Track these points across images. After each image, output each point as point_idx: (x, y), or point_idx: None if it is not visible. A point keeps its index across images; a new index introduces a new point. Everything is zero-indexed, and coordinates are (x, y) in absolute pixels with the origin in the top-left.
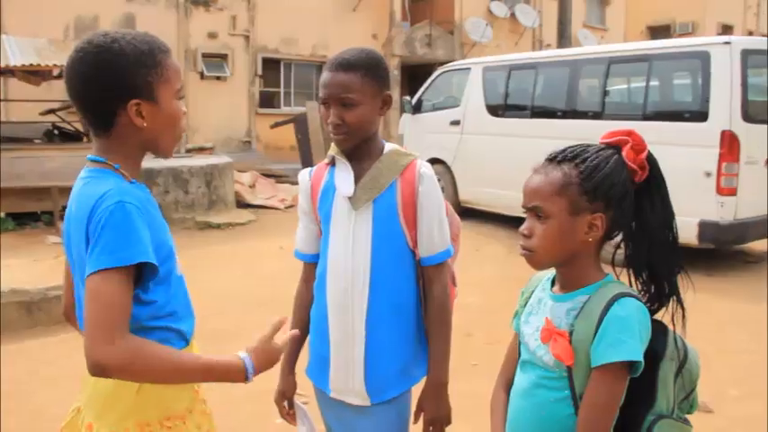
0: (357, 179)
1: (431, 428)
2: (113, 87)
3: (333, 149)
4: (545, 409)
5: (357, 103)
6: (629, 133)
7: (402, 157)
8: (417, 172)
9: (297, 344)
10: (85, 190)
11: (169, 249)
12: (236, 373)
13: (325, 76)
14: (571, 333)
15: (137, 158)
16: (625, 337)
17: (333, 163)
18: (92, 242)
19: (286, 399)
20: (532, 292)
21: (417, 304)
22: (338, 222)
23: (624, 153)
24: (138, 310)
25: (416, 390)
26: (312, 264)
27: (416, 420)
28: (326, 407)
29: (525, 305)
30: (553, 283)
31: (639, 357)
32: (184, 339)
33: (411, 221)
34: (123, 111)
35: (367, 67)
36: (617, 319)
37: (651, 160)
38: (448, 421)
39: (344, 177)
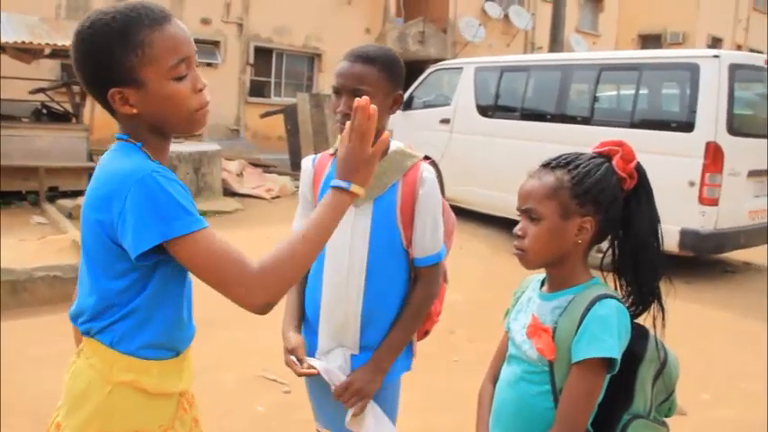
0: None
1: (344, 391)
2: (92, 77)
3: (339, 142)
4: (526, 402)
5: (370, 95)
6: (620, 144)
7: (406, 158)
8: (420, 175)
9: (299, 307)
10: (110, 167)
11: None
12: (344, 203)
13: (342, 65)
14: (554, 330)
15: (155, 139)
16: (604, 335)
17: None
18: (137, 216)
19: (296, 356)
20: (523, 292)
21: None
22: None
23: (614, 162)
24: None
25: (405, 378)
26: None
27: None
28: (318, 395)
29: (516, 304)
30: (542, 285)
31: (616, 355)
32: (174, 350)
33: (408, 222)
34: (110, 99)
35: (384, 63)
36: (597, 318)
37: (640, 170)
38: (364, 400)
39: None
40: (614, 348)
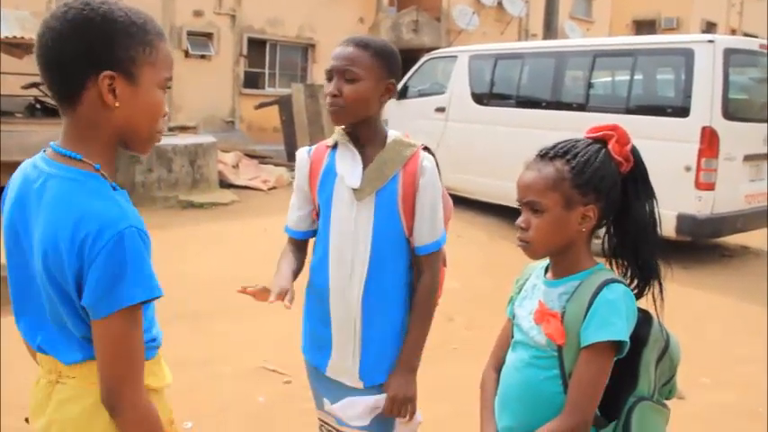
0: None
1: (392, 405)
2: (88, 51)
3: (338, 134)
4: (534, 387)
5: (358, 78)
6: (614, 128)
7: (406, 148)
8: (420, 164)
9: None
10: (70, 198)
11: None
12: None
13: (336, 49)
14: (563, 315)
15: (111, 152)
16: (613, 319)
17: (335, 146)
18: (99, 274)
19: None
20: (527, 279)
21: (410, 291)
22: (339, 209)
23: (610, 146)
24: None
25: None
26: (302, 241)
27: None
28: (320, 383)
29: (519, 291)
30: (546, 271)
31: (626, 337)
32: (158, 344)
33: (409, 212)
34: (93, 83)
35: (378, 50)
36: (606, 302)
37: (634, 152)
38: (412, 404)
39: (351, 166)
40: (623, 331)
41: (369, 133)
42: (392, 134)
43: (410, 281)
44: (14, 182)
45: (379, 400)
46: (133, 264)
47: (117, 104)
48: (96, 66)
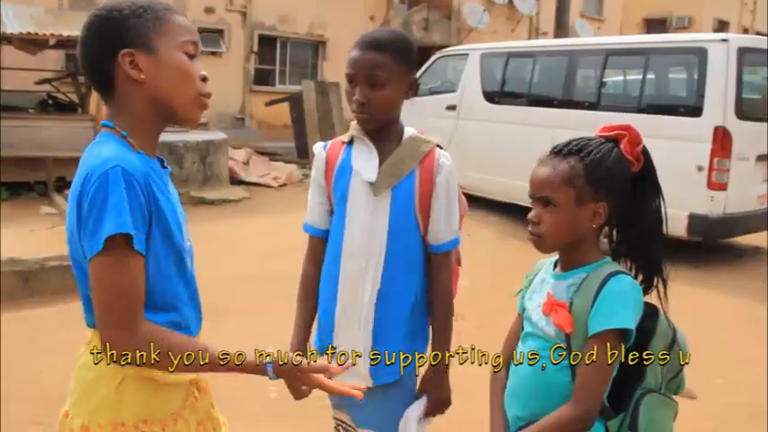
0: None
1: (435, 410)
2: (105, 40)
3: (354, 129)
4: (544, 377)
5: (385, 83)
6: (627, 128)
7: (423, 144)
8: (436, 161)
9: (307, 331)
10: (84, 157)
11: (177, 228)
12: (254, 370)
13: (354, 54)
14: (571, 305)
15: (149, 126)
16: (619, 308)
17: (350, 142)
18: (85, 216)
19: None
20: (536, 274)
21: (423, 289)
22: (355, 205)
23: (622, 146)
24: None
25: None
26: (322, 239)
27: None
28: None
29: (529, 285)
30: (555, 266)
31: (632, 326)
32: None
33: (425, 210)
34: (118, 66)
35: (397, 48)
36: (613, 292)
37: (645, 152)
38: (448, 403)
39: (367, 161)
40: (629, 320)
41: (388, 129)
42: (408, 131)
43: (423, 279)
44: None
45: (419, 406)
46: (113, 200)
47: (143, 76)
48: (114, 49)
